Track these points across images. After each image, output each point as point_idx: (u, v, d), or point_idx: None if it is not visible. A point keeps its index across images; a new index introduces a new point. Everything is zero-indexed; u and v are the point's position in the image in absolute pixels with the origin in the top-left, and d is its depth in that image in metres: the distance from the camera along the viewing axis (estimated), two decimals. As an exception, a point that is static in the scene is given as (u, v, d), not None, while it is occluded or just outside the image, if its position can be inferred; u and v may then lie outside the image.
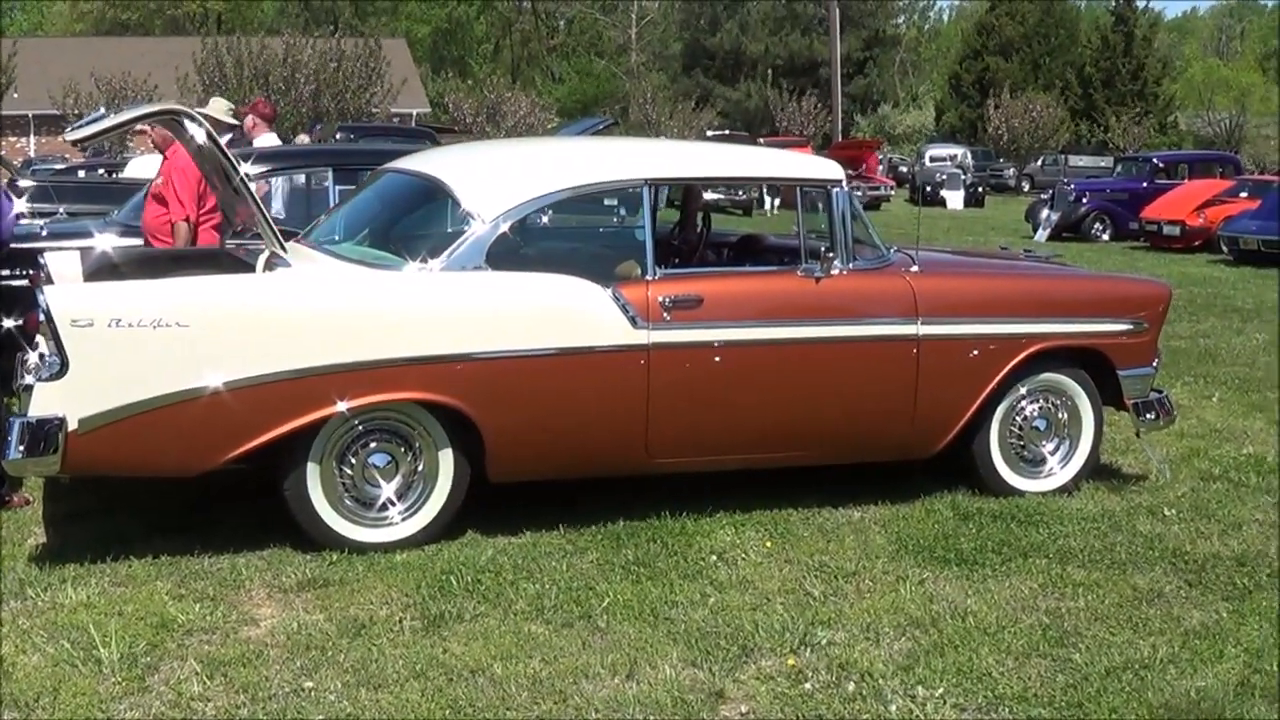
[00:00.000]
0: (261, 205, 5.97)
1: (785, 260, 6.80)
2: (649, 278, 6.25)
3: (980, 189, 40.20)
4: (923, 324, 6.63)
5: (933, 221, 33.44)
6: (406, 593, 5.56)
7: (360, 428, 5.98)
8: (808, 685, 4.69)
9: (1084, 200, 26.62)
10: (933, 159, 44.68)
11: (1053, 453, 7.17)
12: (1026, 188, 45.36)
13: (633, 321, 6.13)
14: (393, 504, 6.05)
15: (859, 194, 38.41)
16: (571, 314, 6.09)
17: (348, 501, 6.02)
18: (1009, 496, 6.98)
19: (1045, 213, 26.70)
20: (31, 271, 7.14)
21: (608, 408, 6.18)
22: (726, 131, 46.34)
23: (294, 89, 35.83)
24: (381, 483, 6.04)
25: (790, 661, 4.86)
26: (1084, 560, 6.07)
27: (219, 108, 9.32)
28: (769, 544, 6.22)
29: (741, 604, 5.47)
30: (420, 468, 6.09)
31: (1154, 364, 7.38)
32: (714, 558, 6.02)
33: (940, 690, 4.65)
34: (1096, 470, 7.49)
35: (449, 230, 6.18)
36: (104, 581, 5.65)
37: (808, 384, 6.47)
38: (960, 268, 7.63)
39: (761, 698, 4.61)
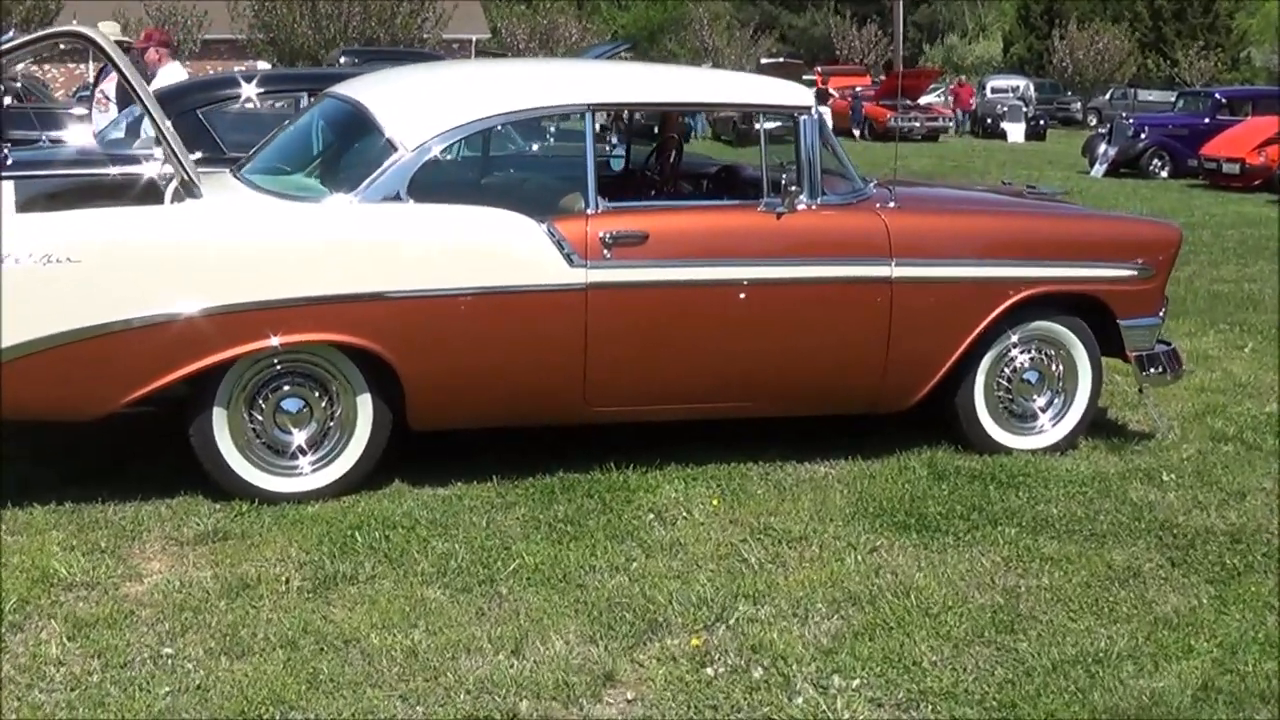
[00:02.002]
0: (170, 131, 5.47)
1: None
2: (590, 211, 5.72)
3: (1041, 122, 39.06)
4: (897, 265, 6.06)
5: (990, 154, 32.68)
6: (306, 549, 5.13)
7: (271, 371, 5.53)
8: (710, 670, 4.20)
9: (1142, 135, 25.58)
10: (994, 91, 43.48)
11: (1044, 408, 6.59)
12: (1093, 122, 44.07)
13: (569, 259, 5.61)
14: (303, 453, 5.61)
15: (916, 125, 38.02)
16: (500, 250, 5.59)
17: (258, 448, 5.57)
18: (995, 454, 6.43)
19: (1103, 147, 25.75)
20: None
21: (540, 353, 5.68)
22: (781, 60, 45.25)
23: (341, 13, 35.29)
24: (293, 430, 5.59)
25: (694, 641, 4.36)
26: (1059, 530, 5.52)
27: (110, 29, 8.83)
28: (715, 502, 5.72)
29: (665, 571, 4.98)
30: (337, 414, 5.63)
31: (1160, 313, 6.75)
32: (651, 517, 5.53)
33: (858, 681, 4.14)
34: (1098, 427, 6.92)
35: (370, 160, 5.67)
36: (-2, 529, 5.27)
37: (764, 329, 5.93)
38: (944, 204, 7.01)
39: (655, 682, 4.12)
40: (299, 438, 5.60)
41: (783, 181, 5.90)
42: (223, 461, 5.52)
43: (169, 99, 9.18)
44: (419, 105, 5.87)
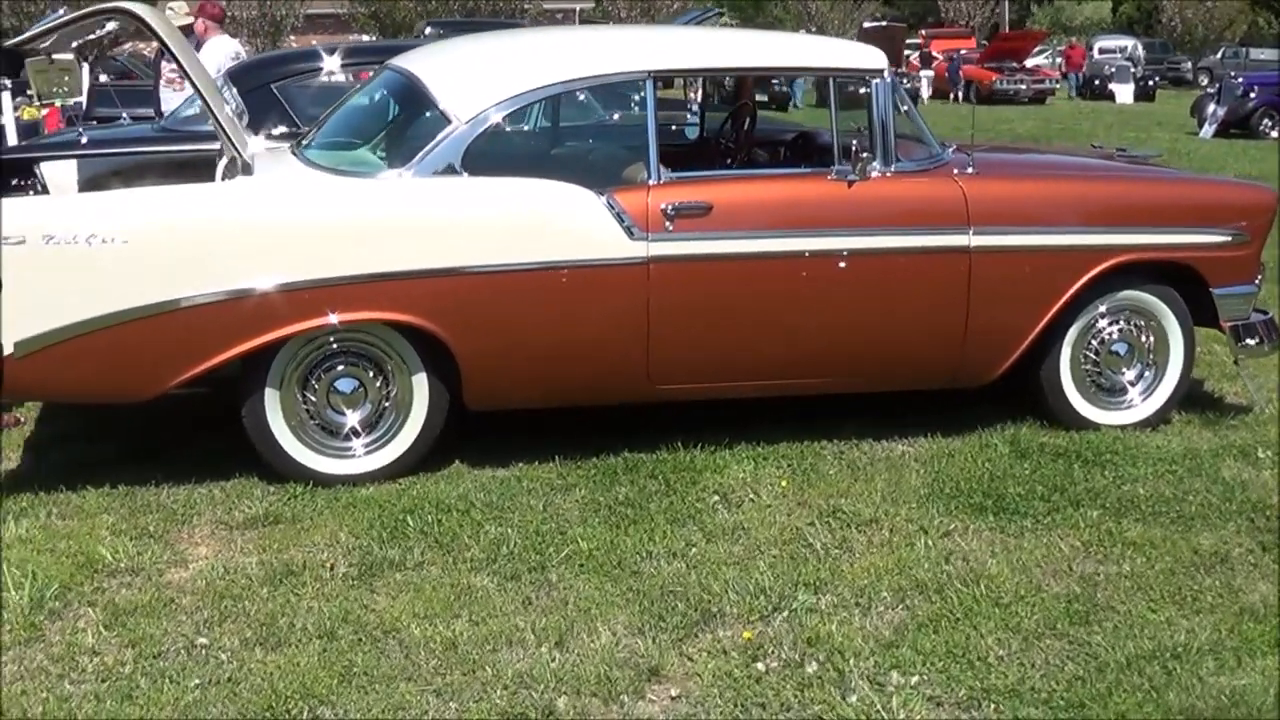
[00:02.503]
0: (224, 108, 5.37)
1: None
2: (651, 182, 5.51)
3: (1151, 82, 37.94)
4: (975, 234, 5.77)
5: (1097, 116, 31.84)
6: (356, 534, 5.00)
7: (325, 350, 5.41)
8: (761, 665, 3.99)
9: (1252, 95, 24.66)
10: (1102, 51, 42.35)
11: (1134, 381, 6.27)
12: (1204, 81, 42.82)
13: (629, 232, 5.41)
14: (357, 434, 5.48)
15: (1022, 87, 37.15)
16: (557, 224, 5.40)
17: (312, 430, 5.46)
18: (1082, 430, 6.13)
19: (1211, 107, 24.89)
20: (17, 182, 6.69)
21: (601, 329, 5.49)
22: (883, 23, 44.42)
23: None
24: (346, 411, 5.46)
25: (747, 634, 4.15)
26: (1146, 512, 5.22)
27: (179, 7, 8.73)
28: (784, 483, 5.49)
29: (725, 557, 4.77)
30: (393, 394, 5.49)
31: (1256, 281, 6.38)
32: (716, 499, 5.33)
33: (917, 678, 3.91)
34: (1193, 400, 6.58)
35: (424, 133, 5.51)
36: (51, 513, 5.23)
37: (835, 302, 5.68)
38: (1025, 170, 6.67)
39: (702, 678, 3.92)
40: (353, 418, 5.47)
41: (853, 148, 5.64)
42: (276, 443, 5.42)
43: (242, 74, 9.14)
44: (473, 75, 5.69)
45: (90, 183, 6.61)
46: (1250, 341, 6.38)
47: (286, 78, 9.09)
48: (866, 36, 38.84)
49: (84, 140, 8.51)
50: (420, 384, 5.47)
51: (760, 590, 4.47)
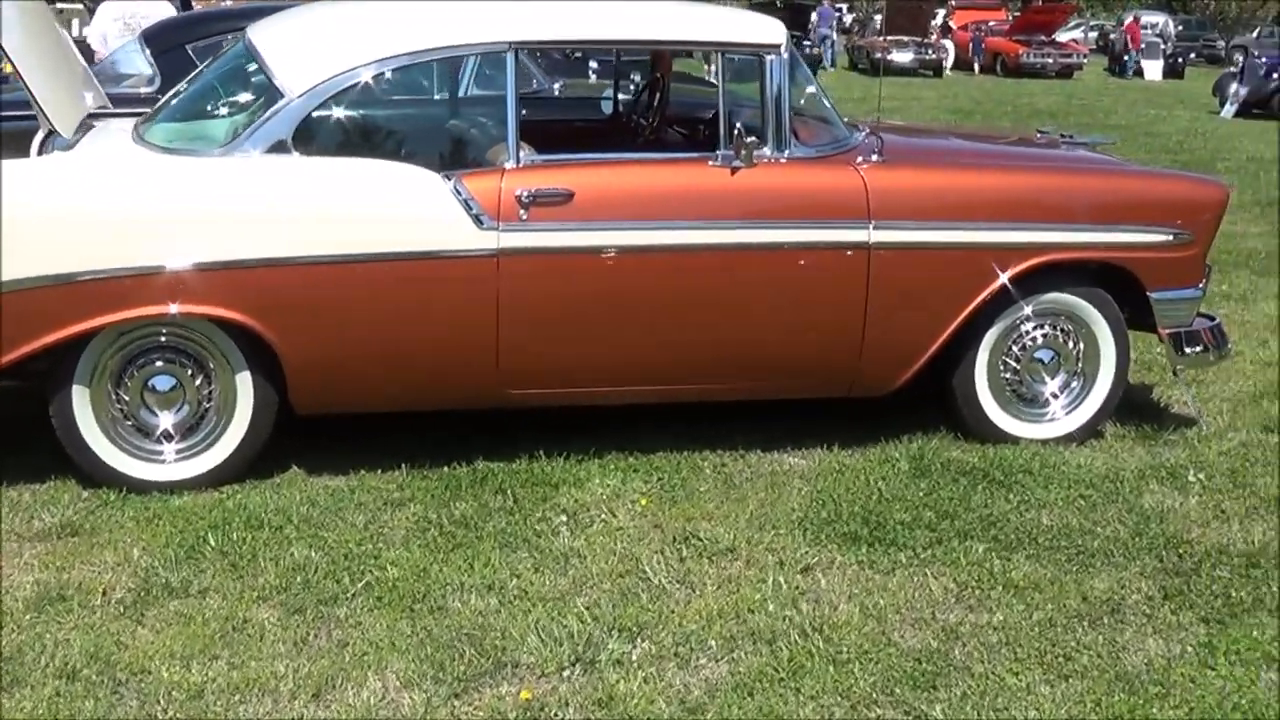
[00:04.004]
0: (27, 74, 4.83)
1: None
2: (508, 165, 4.96)
3: (1180, 60, 36.88)
4: (876, 228, 5.19)
5: (1121, 92, 30.97)
6: (151, 551, 4.50)
7: (140, 345, 4.90)
8: (532, 733, 3.47)
9: (1275, 75, 23.76)
10: (1125, 29, 41.19)
11: (1058, 392, 5.68)
12: (1239, 59, 41.73)
13: (477, 220, 4.87)
14: (169, 438, 4.97)
15: (1049, 61, 36.16)
16: (395, 210, 4.85)
17: (125, 430, 4.96)
18: (999, 444, 5.56)
19: (1234, 87, 24.03)
20: None
21: (444, 327, 4.95)
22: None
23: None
24: (159, 412, 4.95)
25: (525, 694, 3.62)
26: (1041, 546, 4.66)
27: None
28: (644, 501, 4.95)
29: (546, 592, 4.24)
30: (214, 394, 4.98)
31: (1200, 284, 5.77)
32: (563, 519, 4.79)
33: (707, 755, 3.37)
34: (1137, 410, 6.01)
35: (256, 109, 4.98)
36: None
37: (711, 302, 5.12)
38: (939, 158, 6.06)
39: (461, 749, 3.41)
40: (165, 421, 4.95)
41: (737, 131, 5.06)
42: (84, 444, 4.91)
43: (157, 34, 8.62)
44: (312, 45, 5.14)
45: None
46: (1193, 350, 5.81)
47: (204, 38, 8.56)
48: (893, 6, 37.99)
49: None
50: (245, 384, 4.96)
51: (568, 636, 3.93)
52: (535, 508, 4.87)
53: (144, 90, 7.71)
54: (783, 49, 5.26)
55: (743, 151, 5.08)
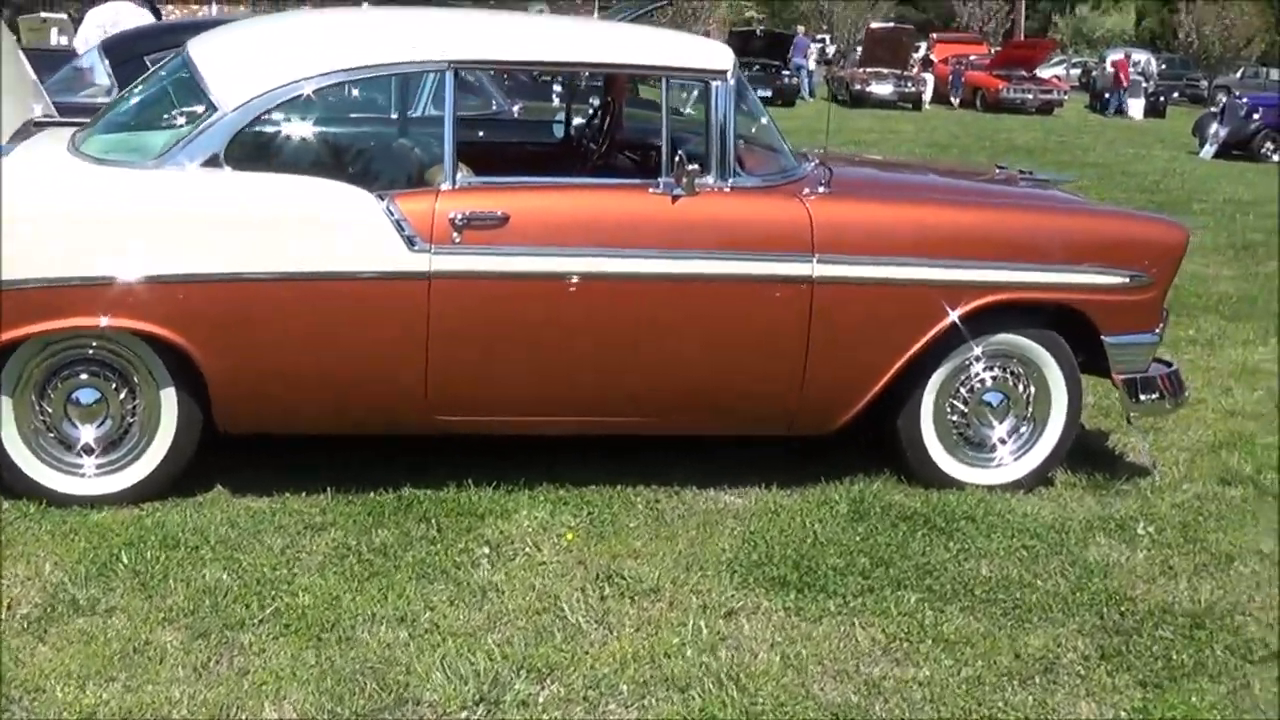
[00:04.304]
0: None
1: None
2: (444, 187, 4.85)
3: (1162, 99, 36.97)
4: (820, 262, 5.08)
5: (1101, 130, 30.98)
6: (64, 566, 4.38)
7: (65, 357, 4.79)
8: (425, 778, 3.34)
9: (1255, 116, 23.77)
10: (1114, 65, 41.36)
11: (1006, 437, 5.57)
12: (1222, 99, 41.95)
13: (409, 242, 4.75)
14: (89, 452, 4.84)
15: (1029, 96, 36.20)
16: (324, 229, 4.74)
17: (48, 443, 4.84)
18: (944, 489, 5.45)
19: (1214, 127, 24.03)
20: None
21: (372, 350, 4.83)
22: (890, 24, 43.39)
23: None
24: (81, 425, 4.83)
25: (422, 738, 3.50)
26: (977, 599, 4.53)
27: None
28: (571, 536, 4.83)
29: (459, 627, 4.11)
30: (137, 410, 4.85)
31: (1157, 329, 5.66)
32: (485, 551, 4.67)
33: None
34: (1089, 457, 5.91)
35: (189, 122, 4.87)
36: None
37: (647, 333, 5.01)
38: (889, 191, 5.95)
39: (346, 792, 3.28)
40: (87, 434, 4.83)
41: (678, 159, 4.96)
42: (5, 454, 4.80)
43: (116, 45, 8.53)
44: (248, 60, 5.04)
45: None
46: (1148, 397, 5.70)
47: (163, 49, 8.45)
48: (872, 37, 38.03)
49: None
50: (169, 400, 4.84)
51: (474, 674, 3.81)
52: (458, 538, 4.75)
53: (100, 100, 7.62)
54: (729, 75, 5.16)
55: (684, 179, 4.97)
